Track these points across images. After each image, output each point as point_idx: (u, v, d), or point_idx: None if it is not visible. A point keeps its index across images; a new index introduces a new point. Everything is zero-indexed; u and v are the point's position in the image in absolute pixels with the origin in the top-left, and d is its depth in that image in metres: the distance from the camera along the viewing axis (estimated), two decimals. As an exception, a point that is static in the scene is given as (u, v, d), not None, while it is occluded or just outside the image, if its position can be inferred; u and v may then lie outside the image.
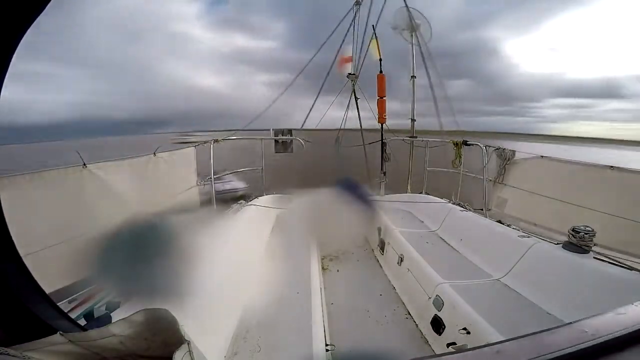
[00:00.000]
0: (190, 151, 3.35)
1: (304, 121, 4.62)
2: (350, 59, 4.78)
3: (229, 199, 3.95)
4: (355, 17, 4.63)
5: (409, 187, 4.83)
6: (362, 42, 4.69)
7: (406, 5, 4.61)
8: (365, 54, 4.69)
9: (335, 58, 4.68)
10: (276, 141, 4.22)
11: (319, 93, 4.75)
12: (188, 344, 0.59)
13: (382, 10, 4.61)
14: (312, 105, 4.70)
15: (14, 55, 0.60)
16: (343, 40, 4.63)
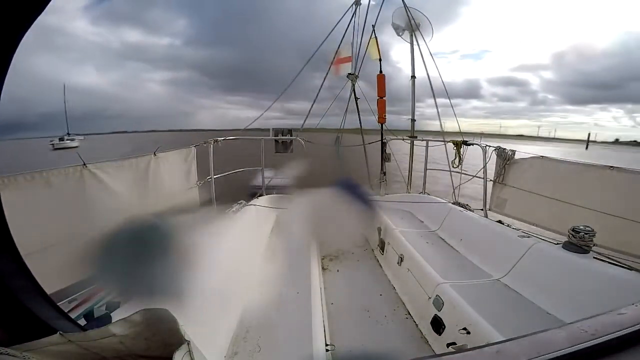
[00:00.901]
0: (190, 151, 3.35)
1: (304, 121, 4.63)
2: (349, 59, 4.77)
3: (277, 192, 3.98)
4: (353, 16, 4.64)
5: (409, 187, 4.83)
6: (361, 43, 4.69)
7: (405, 6, 4.61)
8: (365, 54, 4.69)
9: (333, 60, 4.68)
10: (276, 141, 4.22)
11: (318, 93, 4.76)
12: (188, 344, 0.59)
13: (380, 10, 4.61)
14: (312, 105, 4.71)
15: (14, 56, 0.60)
16: (341, 41, 4.64)
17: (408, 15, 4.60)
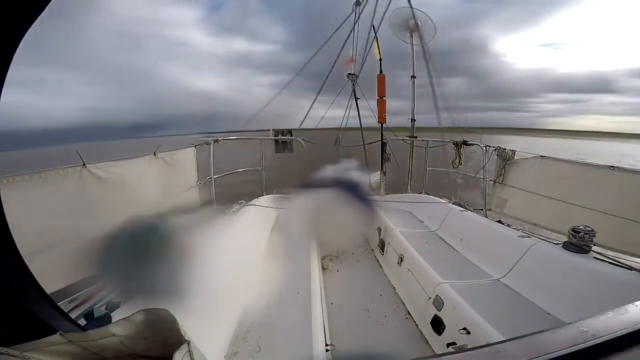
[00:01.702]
0: (190, 151, 3.35)
1: (302, 121, 4.63)
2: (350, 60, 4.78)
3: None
4: (355, 17, 4.63)
5: (409, 187, 4.83)
6: (366, 43, 4.69)
7: (410, 5, 4.59)
8: (367, 54, 4.69)
9: (337, 59, 4.68)
10: (276, 141, 4.22)
11: (318, 93, 4.76)
12: (188, 344, 0.59)
13: (375, 9, 4.60)
14: (311, 105, 4.71)
15: (15, 56, 0.60)
16: (345, 41, 4.64)
17: (412, 14, 4.57)
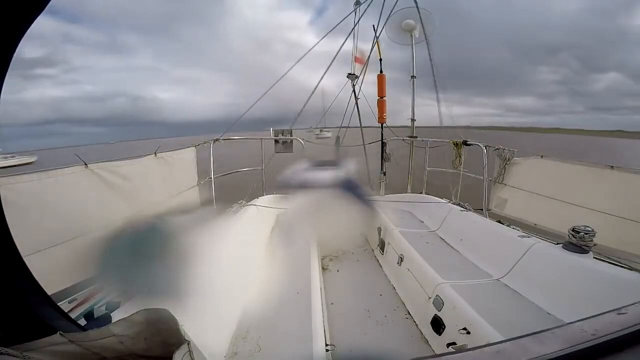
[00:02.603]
0: (191, 151, 3.35)
1: (294, 121, 4.61)
2: (361, 60, 4.78)
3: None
4: (355, 17, 4.63)
5: (409, 187, 4.83)
6: (364, 43, 4.69)
7: (416, 5, 4.57)
8: (370, 55, 4.69)
9: (334, 59, 4.68)
10: (276, 141, 4.22)
11: (313, 92, 4.74)
12: (188, 344, 0.59)
13: (381, 9, 4.60)
14: (305, 104, 4.68)
15: (14, 56, 0.60)
16: (344, 41, 4.63)
17: (418, 12, 4.55)
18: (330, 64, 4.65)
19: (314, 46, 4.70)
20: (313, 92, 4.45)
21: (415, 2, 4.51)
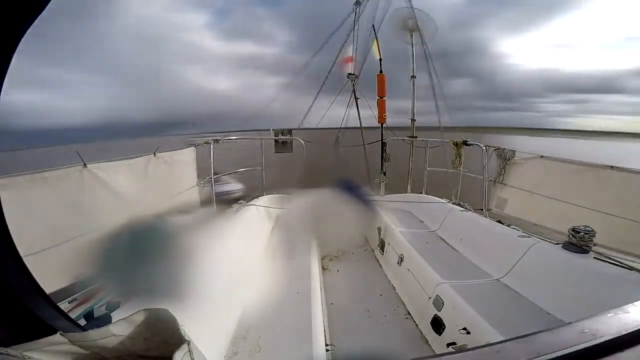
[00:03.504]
0: (190, 151, 3.35)
1: (302, 120, 4.63)
2: (350, 59, 4.78)
3: (228, 200, 3.91)
4: (355, 17, 4.64)
5: (409, 187, 4.83)
6: (366, 43, 4.69)
7: (410, 5, 4.59)
8: (367, 55, 4.69)
9: (337, 58, 4.68)
10: (276, 141, 4.22)
11: (318, 93, 4.76)
12: (188, 344, 0.59)
13: (376, 9, 4.60)
14: (311, 105, 4.71)
15: (14, 56, 0.60)
16: (345, 41, 4.64)
17: (414, 15, 4.57)
18: (330, 69, 4.66)
19: (315, 53, 4.69)
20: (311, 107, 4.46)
21: (411, 4, 4.52)
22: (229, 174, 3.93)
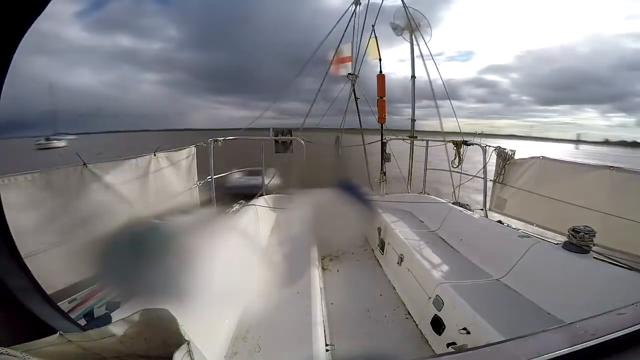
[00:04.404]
0: (190, 151, 3.35)
1: (304, 121, 4.62)
2: (348, 59, 4.77)
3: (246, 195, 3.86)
4: (352, 16, 4.63)
5: (409, 187, 4.83)
6: (360, 42, 4.69)
7: (404, 6, 4.61)
8: (364, 54, 4.69)
9: (333, 59, 4.68)
10: (276, 141, 4.22)
11: (318, 93, 4.75)
12: (188, 344, 0.59)
13: (379, 9, 4.60)
14: (312, 105, 4.70)
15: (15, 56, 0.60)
16: (340, 40, 4.63)
17: (407, 15, 4.59)
18: (329, 69, 4.66)
19: (317, 48, 4.68)
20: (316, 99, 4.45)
21: (404, 4, 4.52)
22: (229, 174, 3.93)
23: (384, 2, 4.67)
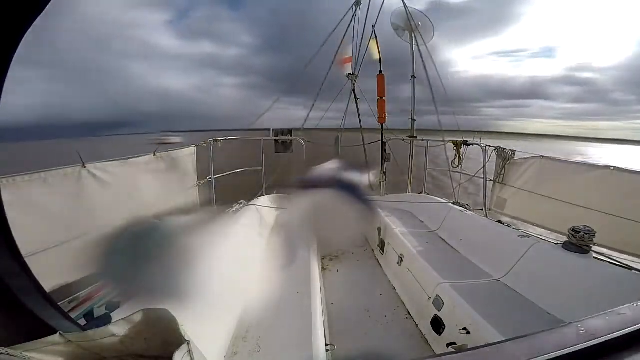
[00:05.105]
0: (190, 151, 3.35)
1: (304, 121, 4.63)
2: (349, 60, 4.77)
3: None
4: (354, 17, 4.63)
5: (409, 187, 4.83)
6: (361, 42, 4.69)
7: (405, 6, 4.61)
8: (365, 54, 4.69)
9: (334, 58, 4.68)
10: (276, 141, 4.22)
11: (318, 93, 4.76)
12: (188, 344, 0.59)
13: (380, 10, 4.60)
14: (312, 105, 4.71)
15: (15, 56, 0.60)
16: (342, 41, 4.63)
17: (408, 16, 4.59)
18: (331, 67, 4.66)
19: (316, 53, 4.68)
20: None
21: (405, 5, 4.52)
22: (229, 174, 3.93)
23: (385, 2, 4.67)
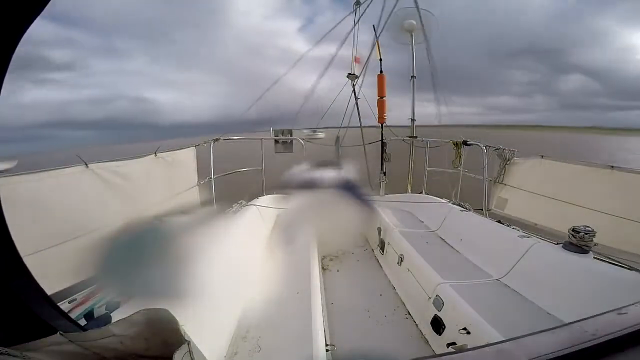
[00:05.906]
0: (191, 151, 3.36)
1: (319, 120, 4.64)
2: (358, 59, 4.78)
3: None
4: (356, 17, 4.63)
5: (409, 187, 4.83)
6: (365, 43, 4.70)
7: (416, 6, 4.58)
8: (370, 55, 4.69)
9: (333, 58, 4.69)
10: (276, 141, 4.22)
11: (315, 91, 4.75)
12: (188, 344, 0.59)
13: (382, 10, 4.59)
14: (312, 107, 4.71)
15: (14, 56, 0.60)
16: (344, 41, 4.63)
17: (419, 14, 4.55)
18: (328, 66, 4.66)
19: (309, 50, 4.72)
20: (308, 95, 4.47)
21: (416, 3, 4.50)
22: (229, 174, 3.92)
23: (385, 3, 4.67)
